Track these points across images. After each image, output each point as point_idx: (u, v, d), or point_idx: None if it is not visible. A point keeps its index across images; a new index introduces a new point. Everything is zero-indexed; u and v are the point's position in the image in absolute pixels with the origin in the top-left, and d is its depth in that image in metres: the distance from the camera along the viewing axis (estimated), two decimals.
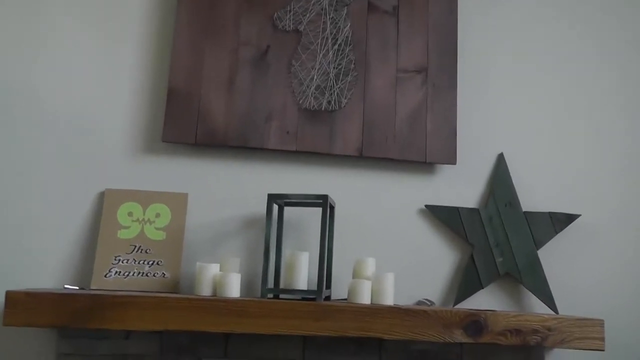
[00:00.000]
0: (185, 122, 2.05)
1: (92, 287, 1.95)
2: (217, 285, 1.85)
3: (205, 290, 1.85)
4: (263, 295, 1.84)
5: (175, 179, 2.08)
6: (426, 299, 2.04)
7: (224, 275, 1.84)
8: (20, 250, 2.01)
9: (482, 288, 2.05)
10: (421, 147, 2.10)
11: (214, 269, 1.87)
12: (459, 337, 1.76)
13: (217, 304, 1.75)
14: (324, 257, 1.83)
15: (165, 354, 1.95)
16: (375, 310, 1.76)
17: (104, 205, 2.03)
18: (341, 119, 2.09)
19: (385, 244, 2.09)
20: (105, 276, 1.96)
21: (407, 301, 2.05)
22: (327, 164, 2.12)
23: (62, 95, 2.09)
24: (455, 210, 2.09)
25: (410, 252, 2.10)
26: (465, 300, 2.05)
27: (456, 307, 2.03)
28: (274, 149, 2.06)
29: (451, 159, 2.10)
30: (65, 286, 1.97)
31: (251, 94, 2.08)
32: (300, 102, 2.09)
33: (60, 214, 2.04)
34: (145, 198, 2.05)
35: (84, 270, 2.01)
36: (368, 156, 2.08)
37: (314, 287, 1.95)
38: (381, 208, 2.11)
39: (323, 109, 2.09)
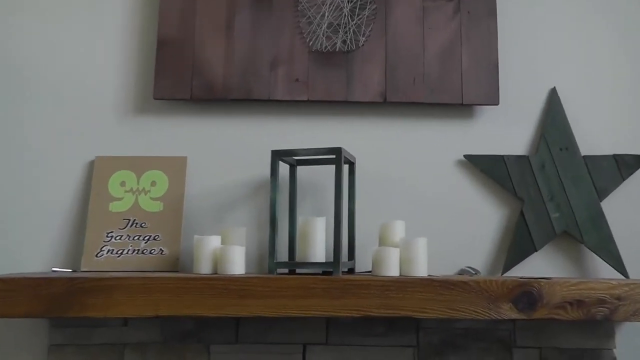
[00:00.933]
0: (178, 75, 1.77)
1: (82, 269, 1.71)
2: (217, 261, 1.58)
3: (205, 268, 1.59)
4: (271, 271, 1.57)
5: (172, 141, 1.82)
6: (469, 267, 1.72)
7: (225, 249, 1.57)
8: (4, 231, 1.78)
9: (536, 251, 1.72)
10: (456, 87, 1.77)
11: (214, 242, 1.61)
12: (508, 312, 1.45)
13: (215, 283, 1.49)
14: (340, 222, 1.54)
15: (169, 342, 1.71)
16: (404, 284, 1.47)
17: (94, 175, 1.78)
18: (359, 60, 1.78)
19: (416, 204, 1.78)
20: (96, 256, 1.72)
21: (445, 271, 1.74)
22: (345, 114, 1.82)
23: (41, 56, 1.85)
24: (500, 159, 1.76)
25: (447, 212, 1.78)
26: (516, 267, 1.73)
27: (505, 275, 1.71)
28: (281, 100, 1.77)
29: (493, 99, 1.77)
30: (53, 269, 1.74)
31: (253, 38, 1.79)
32: (311, 43, 1.78)
33: (47, 187, 1.81)
34: (139, 165, 1.79)
35: (76, 250, 1.78)
36: (393, 102, 1.77)
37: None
38: (411, 162, 1.80)
39: (337, 50, 1.78)
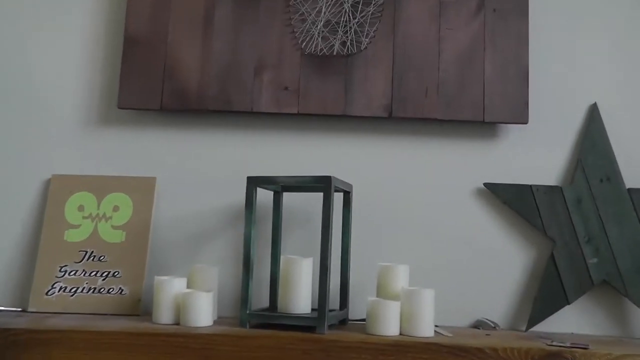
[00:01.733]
0: (147, 80, 1.51)
1: (30, 309, 1.45)
2: (180, 309, 1.31)
3: (165, 316, 1.32)
4: (242, 323, 1.29)
5: (138, 159, 1.56)
6: (486, 320, 1.43)
7: (189, 296, 1.30)
8: None
9: (568, 303, 1.43)
10: (477, 100, 1.48)
11: (177, 286, 1.34)
12: None
13: (174, 340, 1.22)
14: (327, 268, 1.26)
15: None
16: (404, 348, 1.19)
17: (49, 196, 1.53)
18: (361, 66, 1.50)
19: (425, 241, 1.50)
20: (47, 294, 1.46)
21: (458, 322, 1.46)
22: (342, 132, 1.54)
23: None
24: (527, 190, 1.47)
25: (462, 253, 1.49)
26: (544, 322, 1.43)
27: (530, 331, 1.42)
28: (267, 113, 1.50)
29: (521, 116, 1.47)
30: (0, 308, 1.48)
31: (235, 37, 1.52)
32: (304, 45, 1.51)
33: None
34: (100, 186, 1.53)
35: (27, 284, 1.52)
36: (400, 117, 1.49)
37: None
38: (420, 191, 1.51)
39: (335, 53, 1.50)
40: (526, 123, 1.47)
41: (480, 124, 1.51)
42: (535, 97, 1.51)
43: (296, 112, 1.49)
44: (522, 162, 1.51)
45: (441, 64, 1.50)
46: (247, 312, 1.29)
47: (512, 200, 1.48)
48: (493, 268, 1.48)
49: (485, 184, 1.50)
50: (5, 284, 1.54)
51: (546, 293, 1.43)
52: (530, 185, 1.47)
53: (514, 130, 1.52)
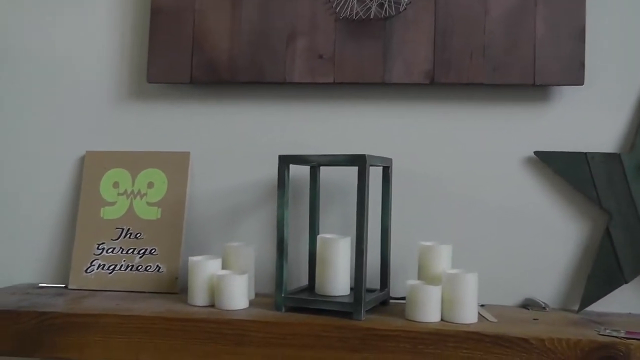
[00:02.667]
0: (175, 53, 1.45)
1: (70, 286, 1.45)
2: (215, 292, 1.28)
3: (200, 298, 1.30)
4: (277, 308, 1.26)
5: (171, 133, 1.52)
6: (536, 299, 1.36)
7: (224, 280, 1.26)
8: None
9: (625, 282, 1.33)
10: (527, 62, 1.36)
11: (211, 267, 1.30)
12: None
13: (207, 326, 1.19)
14: (363, 250, 1.20)
15: None
16: (445, 337, 1.13)
17: (84, 174, 1.51)
18: (400, 29, 1.40)
19: (470, 215, 1.41)
20: (86, 271, 1.45)
21: (504, 300, 1.39)
22: (380, 100, 1.45)
23: (20, 38, 1.56)
24: (582, 158, 1.36)
25: (509, 227, 1.40)
26: (598, 302, 1.34)
27: (583, 312, 1.33)
28: (301, 83, 1.42)
29: (576, 77, 1.35)
30: (41, 285, 1.50)
31: (265, 4, 1.44)
32: (338, 9, 1.41)
33: (34, 188, 1.56)
34: (134, 162, 1.50)
35: (66, 262, 1.53)
36: (443, 83, 1.38)
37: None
38: (465, 161, 1.42)
39: (372, 16, 1.40)
40: (582, 85, 1.35)
41: (530, 87, 1.39)
42: (592, 56, 1.38)
43: (331, 81, 1.41)
44: (576, 128, 1.39)
45: (487, 24, 1.38)
46: (282, 295, 1.25)
47: (565, 170, 1.37)
48: (543, 243, 1.38)
49: (535, 153, 1.39)
50: (47, 261, 1.54)
51: (601, 270, 1.33)
52: (585, 153, 1.36)
53: (567, 93, 1.40)
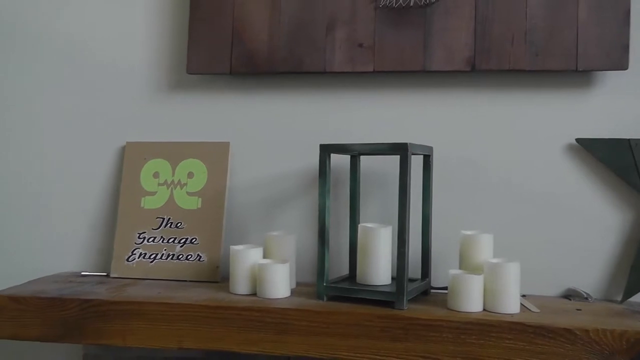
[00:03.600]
0: (215, 44, 1.45)
1: (112, 275, 1.47)
2: (257, 281, 1.29)
3: (242, 287, 1.31)
4: (319, 297, 1.26)
5: (210, 124, 1.52)
6: (578, 289, 1.34)
7: (265, 269, 1.27)
8: (32, 230, 1.58)
9: None
10: (569, 47, 1.34)
11: (253, 256, 1.31)
12: None
13: (249, 314, 1.20)
14: (405, 240, 1.19)
15: (212, 359, 1.46)
16: (487, 328, 1.12)
17: (124, 164, 1.52)
18: (440, 16, 1.39)
19: (511, 204, 1.40)
20: (127, 260, 1.47)
21: (546, 290, 1.37)
22: (421, 88, 1.44)
23: (62, 30, 1.58)
24: (626, 145, 1.34)
25: (551, 216, 1.38)
26: None
27: (627, 302, 1.32)
28: (341, 72, 1.41)
29: (620, 62, 1.32)
30: (83, 273, 1.52)
31: None
32: None
33: (75, 179, 1.57)
34: (174, 152, 1.51)
35: (108, 250, 1.55)
36: (484, 70, 1.37)
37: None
38: (506, 149, 1.40)
39: (412, 4, 1.39)
40: (626, 69, 1.32)
41: (572, 72, 1.37)
42: (637, 40, 1.35)
43: (372, 70, 1.40)
44: (619, 114, 1.36)
45: (529, 9, 1.36)
46: (324, 284, 1.26)
47: (608, 157, 1.35)
48: (586, 233, 1.36)
49: (577, 140, 1.37)
50: (89, 250, 1.56)
51: None
52: (629, 140, 1.33)
53: (611, 78, 1.38)
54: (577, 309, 1.23)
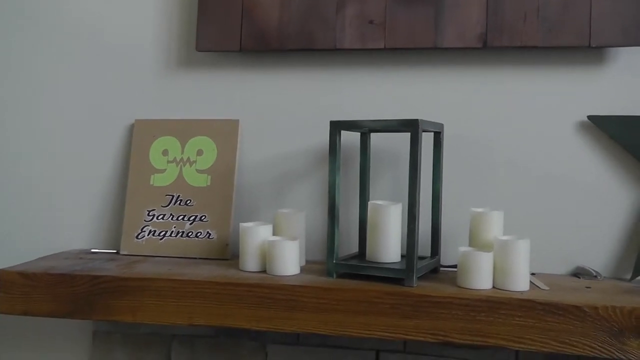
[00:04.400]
0: (225, 21, 1.45)
1: (122, 252, 1.48)
2: (266, 257, 1.29)
3: (251, 264, 1.31)
4: (329, 274, 1.26)
5: (220, 101, 1.52)
6: (587, 267, 1.34)
7: (275, 245, 1.27)
8: (41, 207, 1.59)
9: None
10: (582, 22, 1.32)
11: (263, 233, 1.31)
12: (636, 351, 1.07)
13: (259, 291, 1.21)
14: (415, 216, 1.19)
15: (221, 337, 1.47)
16: (497, 305, 1.12)
17: (133, 142, 1.52)
18: None
19: (521, 182, 1.39)
20: (137, 237, 1.48)
21: (555, 269, 1.37)
22: (432, 65, 1.43)
23: (69, 6, 1.58)
24: (638, 122, 1.33)
25: (562, 193, 1.37)
26: None
27: (635, 281, 1.31)
28: (351, 49, 1.40)
29: (634, 38, 1.30)
30: (93, 250, 1.53)
31: None
32: None
33: (84, 155, 1.58)
34: (183, 130, 1.51)
35: (117, 228, 1.55)
36: (496, 47, 1.36)
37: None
38: (517, 127, 1.39)
39: None
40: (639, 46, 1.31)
41: (585, 49, 1.35)
42: None
43: (382, 46, 1.39)
44: (632, 91, 1.34)
45: None
46: (334, 262, 1.26)
47: (620, 134, 1.33)
48: (596, 211, 1.35)
49: (589, 117, 1.35)
50: (99, 228, 1.57)
51: None
52: None
53: (624, 55, 1.36)
54: (587, 287, 1.23)
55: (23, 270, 1.31)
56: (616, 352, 1.07)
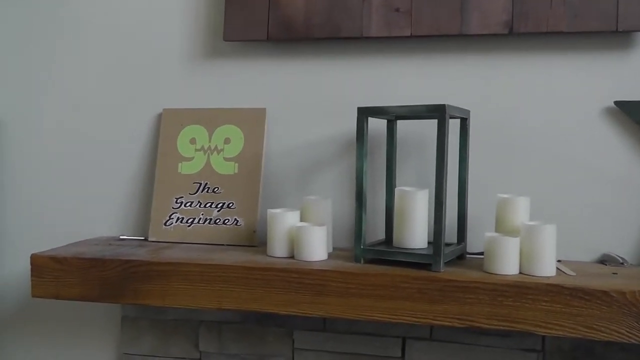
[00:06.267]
0: (252, 11, 1.46)
1: (150, 238, 1.50)
2: (294, 243, 1.30)
3: (279, 249, 1.32)
4: (357, 259, 1.27)
5: (247, 90, 1.53)
6: (614, 255, 1.34)
7: (303, 231, 1.29)
8: (72, 194, 1.61)
9: None
10: (609, 7, 1.31)
11: (290, 219, 1.33)
12: None
13: (287, 275, 1.22)
14: (442, 202, 1.20)
15: (248, 323, 1.49)
16: (524, 290, 1.12)
17: (161, 130, 1.54)
18: None
19: (548, 168, 1.39)
20: (165, 224, 1.50)
21: (582, 256, 1.36)
22: (458, 52, 1.43)
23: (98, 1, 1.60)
24: None
25: (588, 180, 1.37)
26: None
27: None
28: (378, 37, 1.41)
29: None
30: (122, 237, 1.55)
31: None
32: None
33: (113, 144, 1.60)
34: (210, 118, 1.52)
35: (145, 215, 1.57)
36: (522, 33, 1.36)
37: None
38: (543, 112, 1.39)
39: None
40: None
41: (612, 34, 1.35)
42: None
43: (409, 34, 1.39)
44: None
45: None
46: (361, 247, 1.27)
47: None
48: (622, 197, 1.35)
49: (615, 102, 1.35)
50: (127, 215, 1.59)
51: None
52: None
53: None
54: (613, 273, 1.23)
55: (54, 255, 1.33)
56: None
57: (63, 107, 1.62)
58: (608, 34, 1.36)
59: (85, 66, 1.61)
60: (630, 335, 1.08)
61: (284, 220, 1.32)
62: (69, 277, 1.32)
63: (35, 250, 1.39)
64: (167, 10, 1.56)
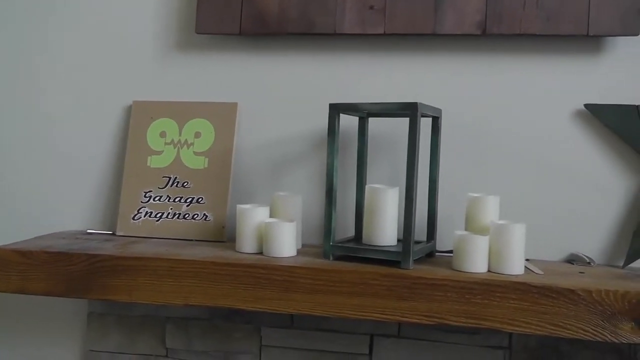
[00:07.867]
0: (225, 4, 1.44)
1: (118, 233, 1.48)
2: (263, 239, 1.30)
3: (248, 245, 1.31)
4: (326, 256, 1.27)
5: (219, 84, 1.52)
6: (581, 254, 1.35)
7: (272, 227, 1.28)
8: (38, 187, 1.58)
9: None
10: (581, 11, 1.33)
11: (260, 215, 1.32)
12: (628, 334, 1.08)
13: (255, 271, 1.21)
14: (412, 199, 1.20)
15: (215, 320, 1.48)
16: (492, 288, 1.13)
17: (131, 123, 1.52)
18: None
19: (518, 169, 1.40)
20: (133, 218, 1.48)
21: (549, 255, 1.38)
22: (431, 52, 1.43)
23: None
24: (633, 111, 1.33)
25: (557, 181, 1.39)
26: None
27: (628, 267, 1.32)
28: (351, 34, 1.41)
29: (631, 27, 1.32)
30: (89, 231, 1.52)
31: None
32: None
33: (81, 136, 1.58)
34: (181, 112, 1.51)
35: (113, 209, 1.55)
36: (495, 34, 1.36)
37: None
38: (514, 114, 1.40)
39: None
40: (637, 35, 1.31)
41: (583, 38, 1.36)
42: None
43: (382, 32, 1.39)
44: (629, 80, 1.35)
45: None
46: (331, 244, 1.26)
47: (615, 123, 1.34)
48: (590, 198, 1.37)
49: (585, 105, 1.36)
50: (95, 208, 1.57)
51: None
52: (637, 106, 1.32)
53: (621, 44, 1.37)
54: (580, 272, 1.24)
55: (19, 248, 1.31)
56: (609, 336, 1.09)
57: (31, 98, 1.59)
58: (579, 38, 1.37)
59: (54, 56, 1.58)
60: (595, 333, 1.09)
61: (254, 216, 1.31)
62: (35, 271, 1.29)
63: (0, 244, 1.36)
64: (139, 1, 1.54)
